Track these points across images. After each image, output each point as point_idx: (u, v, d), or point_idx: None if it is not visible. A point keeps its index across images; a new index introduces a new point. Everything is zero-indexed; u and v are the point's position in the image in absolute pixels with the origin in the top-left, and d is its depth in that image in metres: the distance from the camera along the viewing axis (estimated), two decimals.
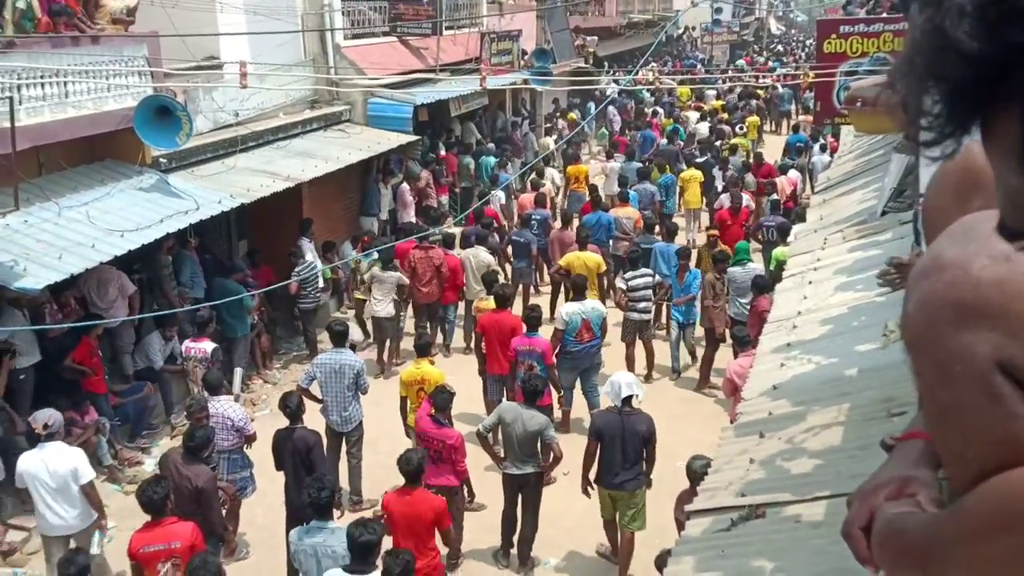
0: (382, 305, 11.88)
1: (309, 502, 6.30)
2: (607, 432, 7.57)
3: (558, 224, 14.56)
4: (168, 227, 9.70)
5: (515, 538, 8.15)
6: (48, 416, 7.21)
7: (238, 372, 11.34)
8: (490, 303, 10.43)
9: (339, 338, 9.04)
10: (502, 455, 8.07)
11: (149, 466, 9.40)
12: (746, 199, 15.04)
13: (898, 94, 0.76)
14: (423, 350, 9.19)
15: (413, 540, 6.64)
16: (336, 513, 7.23)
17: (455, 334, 12.93)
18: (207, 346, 9.94)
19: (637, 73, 19.17)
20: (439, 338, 12.68)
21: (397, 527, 6.73)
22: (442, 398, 7.85)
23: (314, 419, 8.63)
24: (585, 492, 7.86)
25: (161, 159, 10.73)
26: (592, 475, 7.78)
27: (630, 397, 7.64)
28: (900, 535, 0.96)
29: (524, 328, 9.59)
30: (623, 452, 7.56)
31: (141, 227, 9.39)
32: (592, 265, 11.58)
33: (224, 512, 7.51)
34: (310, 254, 12.77)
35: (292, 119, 13.75)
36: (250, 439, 8.21)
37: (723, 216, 14.50)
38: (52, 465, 7.06)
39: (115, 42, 10.29)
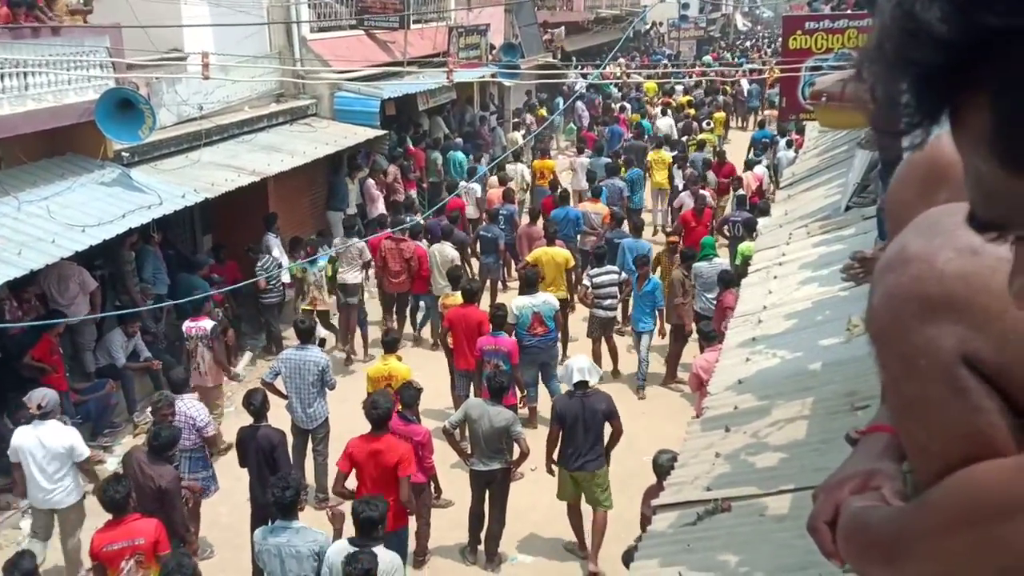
0: (349, 273, 12.04)
1: (273, 501, 6.24)
2: (568, 415, 7.72)
3: (526, 219, 14.54)
4: (130, 222, 9.55)
5: (482, 534, 8.14)
6: (42, 396, 7.48)
7: (247, 356, 11.65)
8: (457, 298, 10.39)
9: (306, 334, 8.95)
10: (469, 452, 8.06)
11: (111, 464, 9.26)
12: (709, 198, 14.91)
13: (865, 82, 0.75)
14: (390, 346, 9.16)
15: (380, 485, 6.68)
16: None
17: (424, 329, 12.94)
18: (206, 324, 10.01)
19: (605, 68, 19.20)
20: (408, 328, 12.87)
21: (363, 472, 6.72)
22: (409, 394, 7.82)
23: (280, 416, 8.56)
24: (549, 471, 8.01)
25: (123, 153, 10.56)
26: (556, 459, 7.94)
27: (584, 381, 7.81)
28: (865, 529, 0.96)
29: (490, 327, 9.57)
30: (585, 434, 7.73)
31: (103, 222, 9.24)
32: (560, 260, 11.59)
33: (186, 512, 7.42)
34: (276, 249, 12.65)
35: (257, 113, 13.60)
36: (209, 441, 8.04)
37: (687, 218, 14.16)
38: (47, 442, 7.32)
39: (76, 33, 10.11)
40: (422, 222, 13.25)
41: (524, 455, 7.87)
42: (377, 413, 6.87)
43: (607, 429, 7.86)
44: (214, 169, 11.55)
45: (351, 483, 7.03)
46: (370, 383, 8.95)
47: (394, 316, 12.75)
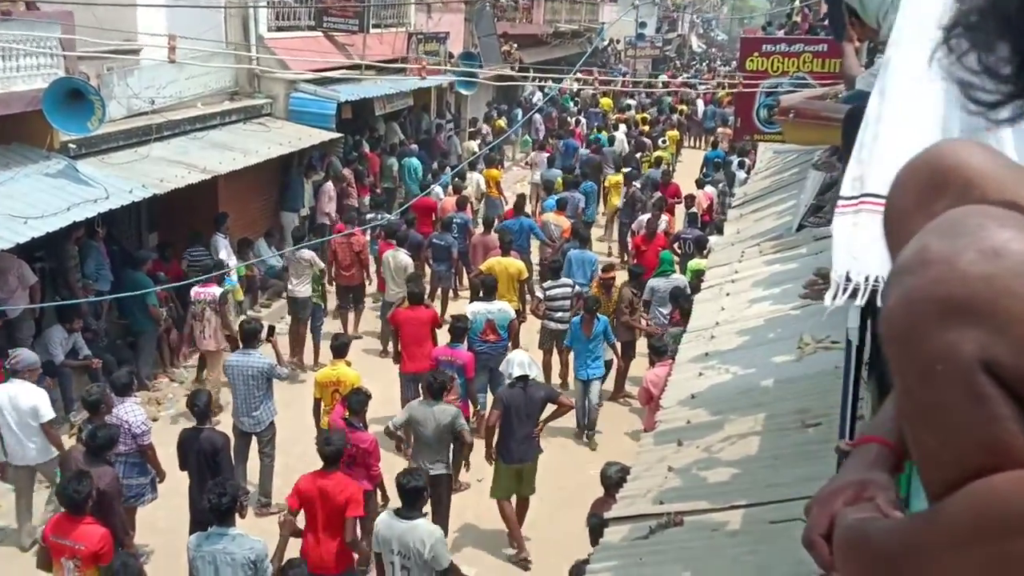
0: (299, 286, 11.77)
1: (209, 507, 6.08)
2: (512, 404, 8.00)
3: (480, 228, 14.51)
4: (75, 215, 9.29)
5: None
6: (17, 355, 7.91)
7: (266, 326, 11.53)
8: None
9: (250, 337, 8.75)
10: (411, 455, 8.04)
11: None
12: (665, 223, 14.58)
13: (954, 52, 0.72)
14: (339, 351, 9.01)
15: (327, 524, 6.54)
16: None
17: (372, 337, 12.82)
18: (215, 290, 10.35)
19: (566, 82, 19.29)
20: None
21: (311, 509, 6.57)
22: (357, 400, 7.70)
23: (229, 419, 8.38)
24: (489, 460, 8.22)
25: (70, 144, 10.30)
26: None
27: (525, 375, 8.10)
28: (866, 542, 0.93)
29: (449, 337, 9.50)
30: (524, 423, 8.02)
31: (46, 214, 8.97)
32: (513, 271, 11.55)
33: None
34: (224, 251, 12.44)
35: (210, 110, 13.37)
36: (143, 449, 7.68)
37: (637, 243, 13.92)
38: (16, 401, 7.67)
39: (26, 19, 9.84)
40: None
41: (468, 447, 7.98)
42: (329, 449, 6.66)
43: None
44: (164, 165, 11.32)
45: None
46: (318, 388, 8.81)
47: (349, 303, 12.86)
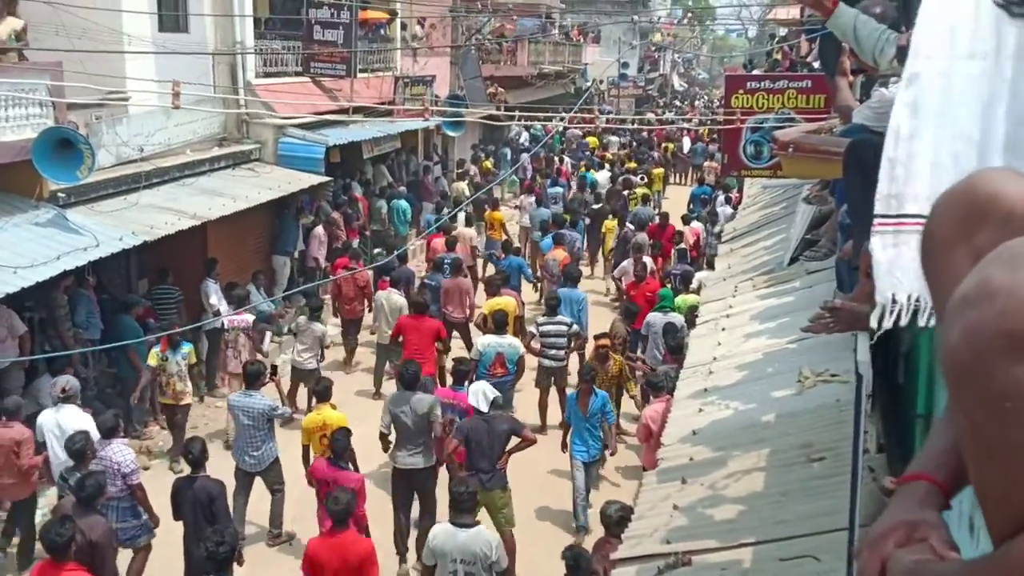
0: (306, 357, 11.46)
1: (208, 555, 5.99)
2: (472, 436, 8.04)
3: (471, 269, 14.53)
4: (65, 264, 9.25)
5: (411, 541, 8.20)
6: (66, 382, 8.57)
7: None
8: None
9: (253, 378, 8.81)
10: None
11: (36, 516, 8.82)
12: (650, 265, 14.22)
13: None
14: (322, 395, 8.92)
15: None
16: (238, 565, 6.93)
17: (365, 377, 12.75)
18: (248, 317, 11.20)
19: (566, 120, 19.42)
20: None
21: (324, 571, 6.46)
22: (340, 442, 7.69)
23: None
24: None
25: (60, 193, 10.27)
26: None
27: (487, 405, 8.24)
28: None
29: (450, 380, 9.61)
30: (488, 453, 8.06)
31: (35, 264, 8.92)
32: (510, 309, 11.54)
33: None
34: (214, 296, 12.39)
35: (199, 156, 13.39)
36: (133, 489, 7.63)
37: (628, 288, 13.58)
38: (64, 423, 8.18)
39: (15, 71, 9.86)
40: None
41: (440, 440, 8.21)
42: (337, 509, 6.60)
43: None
44: (153, 212, 11.30)
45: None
46: (305, 434, 8.73)
47: (354, 340, 13.38)
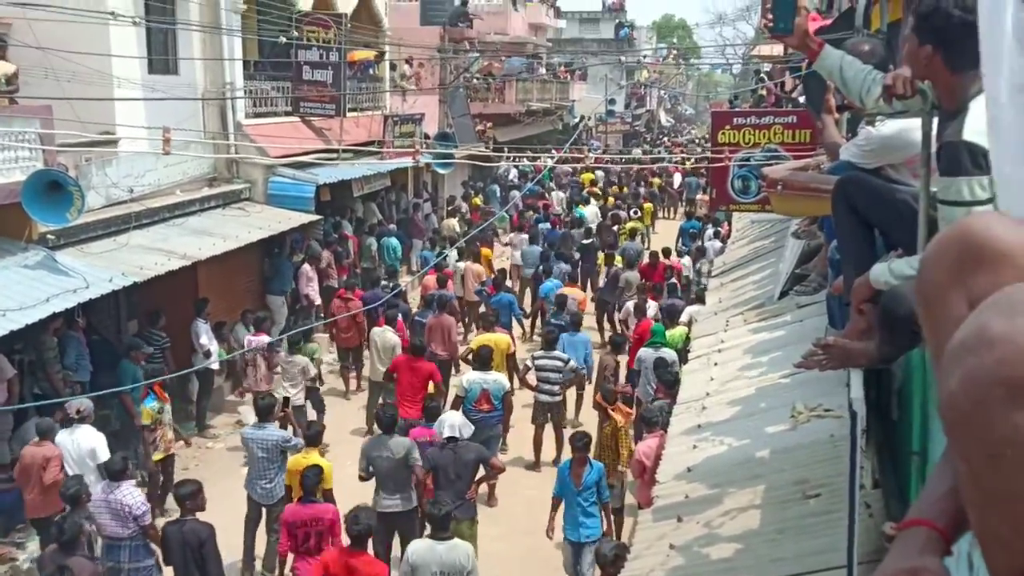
0: (293, 393, 11.49)
1: None
2: (439, 465, 8.26)
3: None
4: (54, 306, 9.21)
5: None
6: (81, 404, 8.95)
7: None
8: None
9: (265, 412, 9.00)
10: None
11: (23, 563, 8.72)
12: (653, 308, 13.76)
13: None
14: (313, 440, 8.89)
15: None
16: None
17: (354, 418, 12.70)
18: (264, 339, 11.90)
19: (538, 159, 19.53)
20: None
21: None
22: (310, 479, 7.69)
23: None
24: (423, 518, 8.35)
25: (49, 235, 10.26)
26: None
27: (455, 437, 8.41)
28: None
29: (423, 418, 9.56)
30: (455, 482, 8.23)
31: (24, 306, 8.88)
32: (503, 346, 11.52)
33: None
34: (204, 336, 12.36)
35: (190, 196, 13.41)
36: (145, 530, 7.68)
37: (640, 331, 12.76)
38: (78, 443, 8.65)
39: (5, 115, 9.88)
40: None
41: (421, 482, 8.32)
42: (357, 529, 6.70)
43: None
44: (143, 252, 11.29)
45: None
46: (289, 476, 8.72)
47: (351, 363, 13.90)
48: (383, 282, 15.22)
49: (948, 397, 0.83)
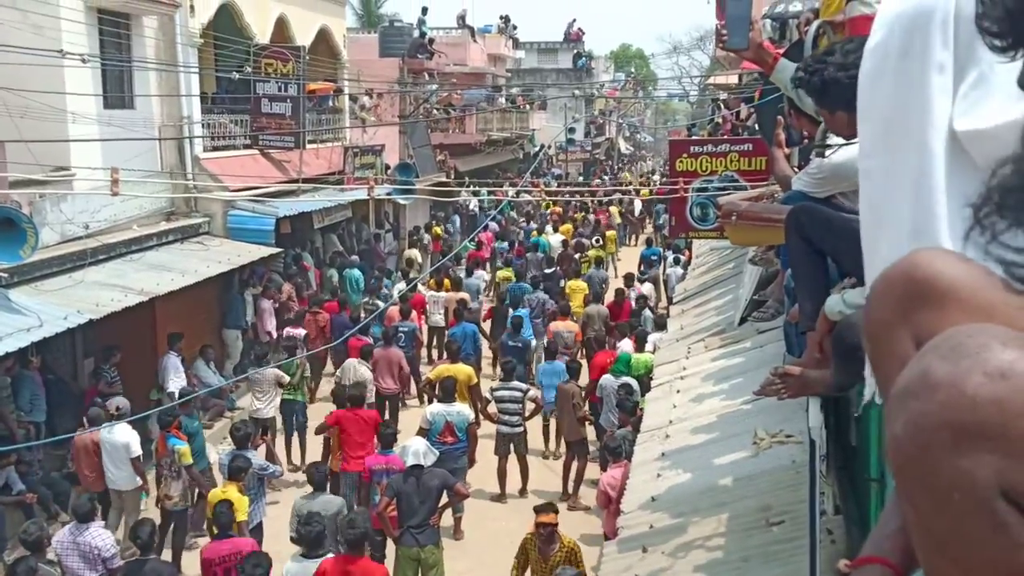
0: (264, 404, 11.69)
1: None
2: (403, 492, 8.22)
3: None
4: (7, 346, 9.01)
5: None
6: (120, 402, 9.89)
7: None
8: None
9: (243, 441, 9.08)
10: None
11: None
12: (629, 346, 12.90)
13: (991, 230, 0.75)
14: (234, 473, 8.58)
15: None
16: None
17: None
18: (301, 332, 13.20)
19: (504, 185, 19.57)
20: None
21: None
22: (222, 516, 7.66)
23: None
24: (393, 538, 8.40)
25: (2, 274, 10.05)
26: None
27: (419, 465, 8.33)
28: None
29: (378, 446, 9.54)
30: (419, 507, 8.22)
31: None
32: (463, 378, 11.43)
33: None
34: (173, 373, 12.21)
35: (147, 231, 13.25)
36: (113, 572, 7.55)
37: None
38: (114, 438, 9.48)
39: None
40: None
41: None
42: (352, 534, 6.80)
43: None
44: (99, 289, 11.11)
45: None
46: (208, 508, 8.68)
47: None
48: (365, 298, 15.49)
49: (893, 441, 0.84)
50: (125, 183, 12.09)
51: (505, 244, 22.97)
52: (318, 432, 10.75)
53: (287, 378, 11.85)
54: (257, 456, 9.39)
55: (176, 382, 12.01)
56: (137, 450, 9.51)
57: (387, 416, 12.52)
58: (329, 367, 14.65)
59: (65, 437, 9.55)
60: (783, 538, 4.39)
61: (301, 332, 13.47)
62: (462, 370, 11.63)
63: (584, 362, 13.01)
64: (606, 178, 40.07)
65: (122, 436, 9.49)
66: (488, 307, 17.17)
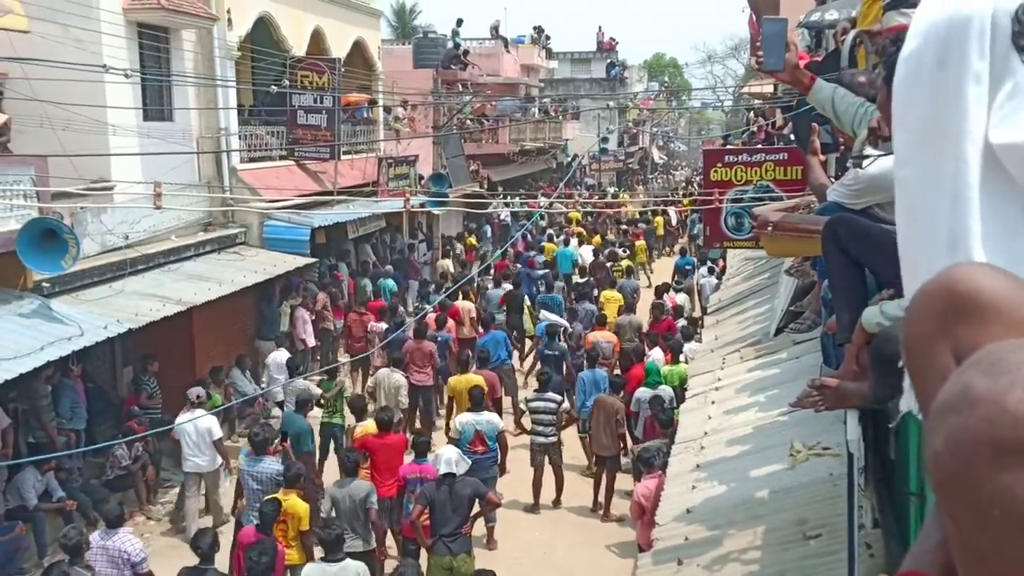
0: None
1: None
2: (435, 501, 8.29)
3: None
4: (48, 355, 9.17)
5: None
6: (199, 390, 10.76)
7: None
8: (369, 427, 10.12)
9: (262, 446, 9.23)
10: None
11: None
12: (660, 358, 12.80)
13: None
14: (292, 481, 8.70)
15: None
16: None
17: None
18: (382, 325, 14.16)
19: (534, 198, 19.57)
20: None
21: None
22: (268, 514, 7.81)
23: None
24: (425, 547, 8.51)
25: (44, 283, 10.26)
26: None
27: (451, 473, 8.39)
28: None
29: (413, 454, 9.55)
30: (452, 516, 8.30)
31: (19, 355, 8.84)
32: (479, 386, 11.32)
33: None
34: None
35: (185, 241, 13.44)
36: None
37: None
38: (197, 424, 10.27)
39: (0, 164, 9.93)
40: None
41: (375, 525, 8.65)
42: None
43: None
44: (138, 299, 11.29)
45: None
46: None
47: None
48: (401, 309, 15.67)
49: (934, 457, 0.83)
50: (168, 196, 12.33)
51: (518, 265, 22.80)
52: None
53: (317, 391, 11.76)
54: (277, 462, 9.44)
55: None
56: (218, 432, 10.54)
57: (420, 405, 12.65)
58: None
59: (105, 445, 9.67)
60: (820, 552, 4.34)
61: (382, 326, 14.38)
62: (472, 379, 11.54)
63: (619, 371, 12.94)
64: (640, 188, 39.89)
65: (204, 422, 10.33)
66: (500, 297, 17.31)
